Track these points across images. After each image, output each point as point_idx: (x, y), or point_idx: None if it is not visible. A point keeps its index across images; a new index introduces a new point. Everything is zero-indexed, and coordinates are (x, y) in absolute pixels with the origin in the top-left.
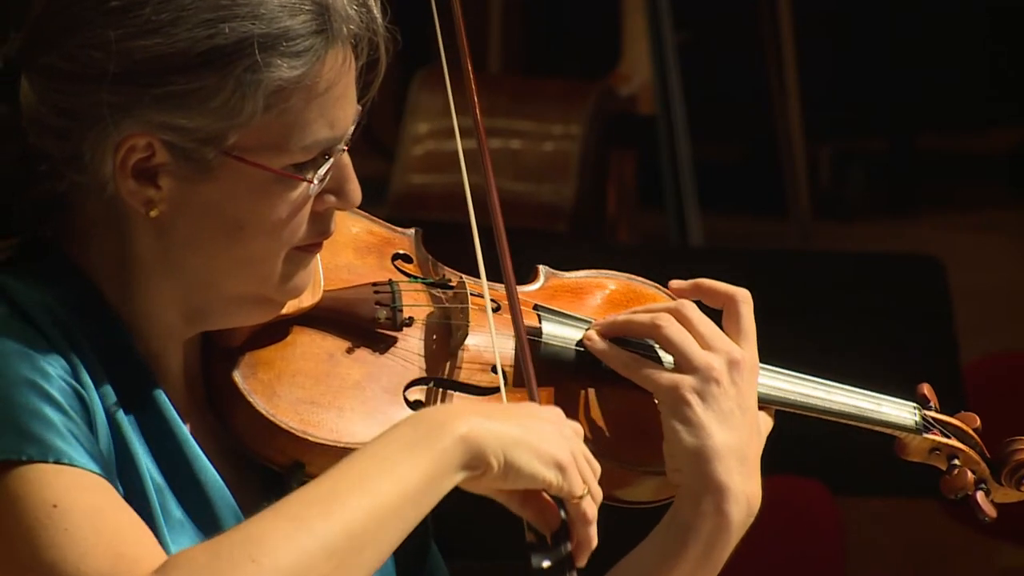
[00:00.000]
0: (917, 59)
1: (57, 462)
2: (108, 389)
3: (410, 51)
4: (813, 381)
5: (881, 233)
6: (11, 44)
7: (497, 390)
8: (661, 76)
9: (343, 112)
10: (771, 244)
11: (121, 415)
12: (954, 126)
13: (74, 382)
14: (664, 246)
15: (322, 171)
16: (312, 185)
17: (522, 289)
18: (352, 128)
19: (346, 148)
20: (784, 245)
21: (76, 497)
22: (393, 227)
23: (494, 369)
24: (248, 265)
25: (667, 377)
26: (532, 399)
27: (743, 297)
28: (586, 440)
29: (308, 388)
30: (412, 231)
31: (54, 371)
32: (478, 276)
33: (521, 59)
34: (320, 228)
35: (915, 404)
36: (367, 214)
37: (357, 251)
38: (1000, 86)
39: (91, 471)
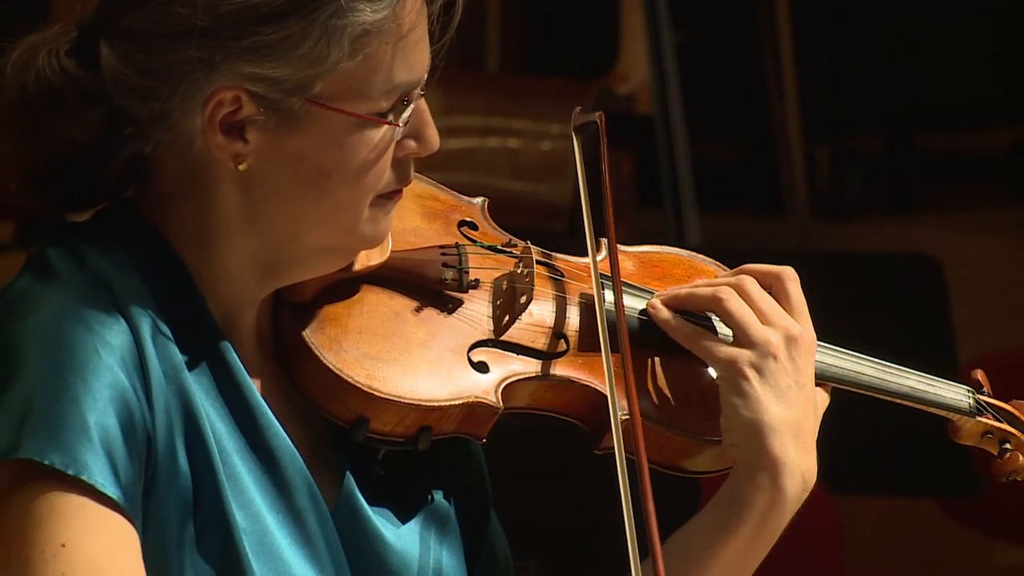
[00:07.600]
0: (916, 58)
1: (77, 476)
2: (178, 355)
3: None
4: (869, 360)
5: (879, 233)
6: (85, 12)
7: (560, 355)
8: (659, 75)
9: (420, 55)
10: (769, 243)
11: (190, 382)
12: (953, 126)
13: (132, 365)
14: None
15: (405, 115)
16: (396, 128)
17: (583, 260)
18: (428, 72)
19: (423, 93)
20: (782, 244)
21: (87, 543)
22: (460, 195)
23: (558, 335)
24: (335, 214)
25: (726, 351)
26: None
27: (789, 275)
28: (650, 408)
29: (374, 344)
30: (479, 200)
31: (114, 356)
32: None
33: (519, 58)
34: (401, 175)
35: (969, 388)
36: (435, 182)
37: (424, 216)
38: (999, 86)
39: (110, 496)
